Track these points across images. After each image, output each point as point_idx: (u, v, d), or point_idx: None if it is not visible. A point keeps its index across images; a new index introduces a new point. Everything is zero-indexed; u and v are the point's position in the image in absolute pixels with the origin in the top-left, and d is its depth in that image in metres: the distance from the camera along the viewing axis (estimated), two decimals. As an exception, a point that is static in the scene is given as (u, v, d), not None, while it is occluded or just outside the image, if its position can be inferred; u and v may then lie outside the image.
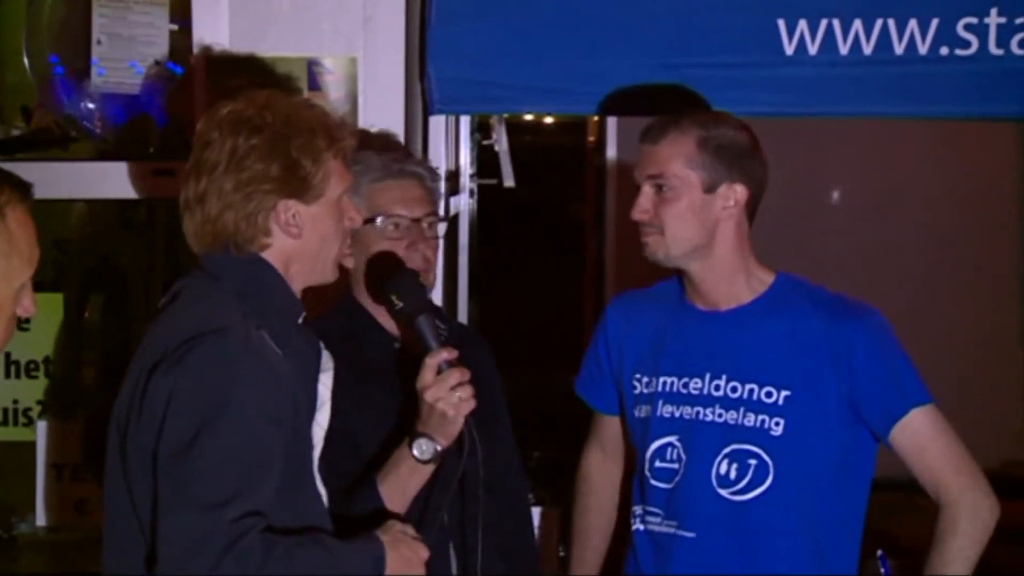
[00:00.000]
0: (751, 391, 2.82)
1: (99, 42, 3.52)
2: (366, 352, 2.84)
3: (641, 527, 2.93)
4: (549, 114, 6.49)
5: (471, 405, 2.59)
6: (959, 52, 3.39)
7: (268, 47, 3.42)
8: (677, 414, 2.87)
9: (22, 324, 2.31)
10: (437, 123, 3.68)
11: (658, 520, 2.89)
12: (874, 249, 6.05)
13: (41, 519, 3.81)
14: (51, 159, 3.63)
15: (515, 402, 3.10)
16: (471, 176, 4.14)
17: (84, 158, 3.60)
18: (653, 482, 2.89)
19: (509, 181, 4.34)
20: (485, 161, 4.30)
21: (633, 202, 2.84)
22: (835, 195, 6.36)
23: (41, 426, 3.81)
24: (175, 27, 3.56)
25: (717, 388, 2.85)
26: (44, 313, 3.84)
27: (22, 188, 2.21)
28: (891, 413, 2.81)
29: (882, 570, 3.34)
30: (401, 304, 2.65)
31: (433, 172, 3.00)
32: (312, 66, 3.42)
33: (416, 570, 2.40)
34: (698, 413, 2.85)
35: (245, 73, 3.36)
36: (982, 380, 5.94)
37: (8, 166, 2.28)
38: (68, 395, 3.95)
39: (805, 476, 2.81)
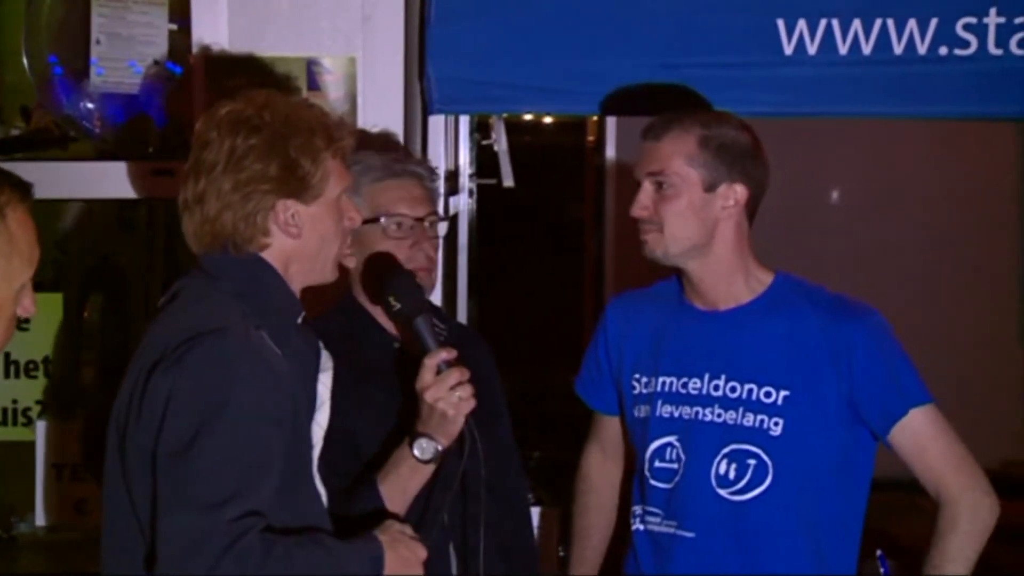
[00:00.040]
0: (750, 391, 2.82)
1: (98, 42, 3.52)
2: (366, 352, 2.84)
3: (641, 527, 2.93)
4: (549, 114, 6.49)
5: (471, 404, 2.59)
6: (958, 52, 3.39)
7: (267, 47, 3.42)
8: (676, 414, 2.87)
9: (21, 324, 2.31)
10: (436, 123, 3.68)
11: (658, 520, 2.89)
12: (873, 249, 6.05)
13: (40, 519, 3.80)
14: (50, 159, 3.63)
15: (515, 402, 3.11)
16: (470, 176, 4.14)
17: (83, 158, 3.60)
18: (653, 482, 2.89)
19: (508, 181, 4.34)
20: (484, 161, 4.30)
21: (632, 200, 2.84)
22: (834, 195, 6.37)
23: (40, 426, 3.80)
24: (174, 27, 3.55)
25: (716, 388, 2.85)
26: (44, 313, 3.84)
27: (22, 188, 2.21)
28: (891, 413, 2.81)
29: (881, 570, 3.34)
30: (399, 306, 2.65)
31: (432, 171, 3.00)
32: (311, 66, 3.42)
33: (414, 570, 2.40)
34: (697, 413, 2.85)
35: (244, 73, 3.36)
36: (982, 380, 5.94)
37: (7, 166, 2.28)
38: (67, 395, 3.94)
39: (804, 476, 2.81)
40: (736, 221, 2.84)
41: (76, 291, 4.12)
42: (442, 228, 3.17)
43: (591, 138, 6.75)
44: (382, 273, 2.77)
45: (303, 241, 2.43)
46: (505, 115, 4.23)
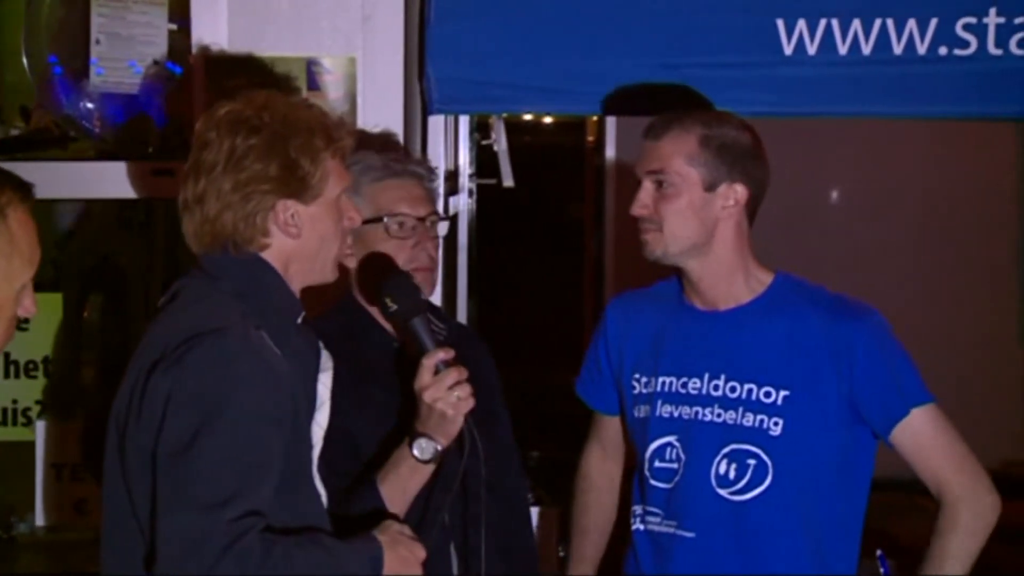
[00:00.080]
0: (750, 391, 2.82)
1: (98, 42, 3.52)
2: (366, 352, 2.84)
3: (641, 527, 2.93)
4: (549, 114, 6.49)
5: (470, 404, 2.59)
6: (958, 52, 3.39)
7: (267, 47, 3.42)
8: (676, 414, 2.87)
9: (21, 324, 2.31)
10: (436, 123, 3.68)
11: (658, 520, 2.89)
12: (873, 249, 6.06)
13: (40, 519, 3.80)
14: (50, 159, 3.63)
15: (515, 402, 3.10)
16: (470, 176, 4.14)
17: (83, 158, 3.60)
18: (653, 482, 2.89)
19: (508, 181, 4.34)
20: (484, 161, 4.30)
21: (632, 200, 2.84)
22: (834, 195, 6.37)
23: (40, 426, 3.80)
24: (174, 27, 3.55)
25: (716, 388, 2.85)
26: (43, 313, 3.83)
27: (23, 189, 2.22)
28: (892, 413, 2.81)
29: (881, 570, 3.34)
30: (395, 307, 2.64)
31: (431, 171, 3.01)
32: (311, 66, 3.42)
33: (413, 570, 2.40)
34: (697, 413, 2.85)
35: (244, 73, 3.36)
36: (982, 380, 5.95)
37: (7, 166, 2.28)
38: (67, 395, 3.94)
39: (804, 476, 2.81)
40: (736, 221, 2.84)
41: (76, 291, 4.12)
42: (442, 228, 3.17)
43: (591, 138, 6.75)
44: (379, 274, 2.77)
45: (303, 241, 2.43)
46: (505, 115, 4.23)
